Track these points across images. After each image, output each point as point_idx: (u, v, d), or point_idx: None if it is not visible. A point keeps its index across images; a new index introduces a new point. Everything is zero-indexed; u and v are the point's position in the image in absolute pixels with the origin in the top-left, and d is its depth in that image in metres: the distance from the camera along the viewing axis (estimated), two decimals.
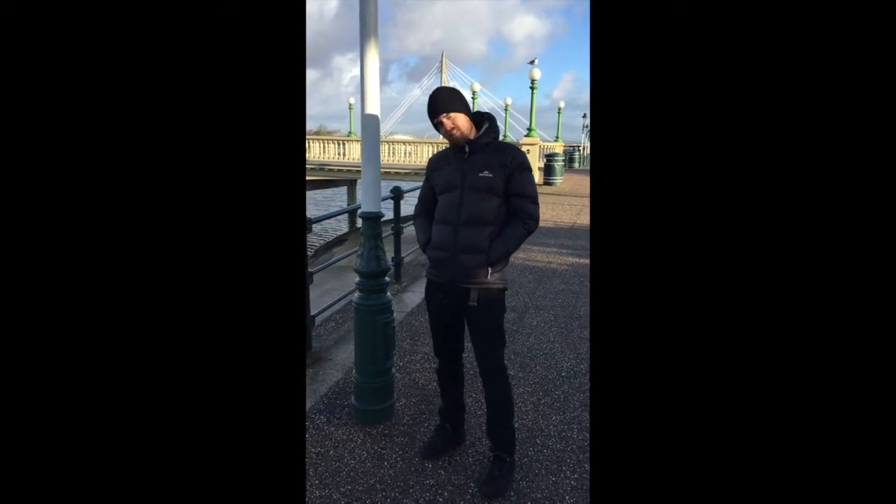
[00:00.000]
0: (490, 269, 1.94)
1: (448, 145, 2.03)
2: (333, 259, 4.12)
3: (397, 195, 4.64)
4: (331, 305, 3.88)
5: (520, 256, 5.86)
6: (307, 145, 19.09)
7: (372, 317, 2.40)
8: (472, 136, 1.95)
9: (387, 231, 2.65)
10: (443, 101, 1.92)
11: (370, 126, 2.23)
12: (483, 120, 1.99)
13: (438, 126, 1.95)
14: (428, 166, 2.14)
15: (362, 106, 2.23)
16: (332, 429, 2.44)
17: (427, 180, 2.11)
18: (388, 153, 18.81)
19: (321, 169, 18.63)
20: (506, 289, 2.03)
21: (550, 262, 5.82)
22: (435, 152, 2.21)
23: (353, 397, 2.53)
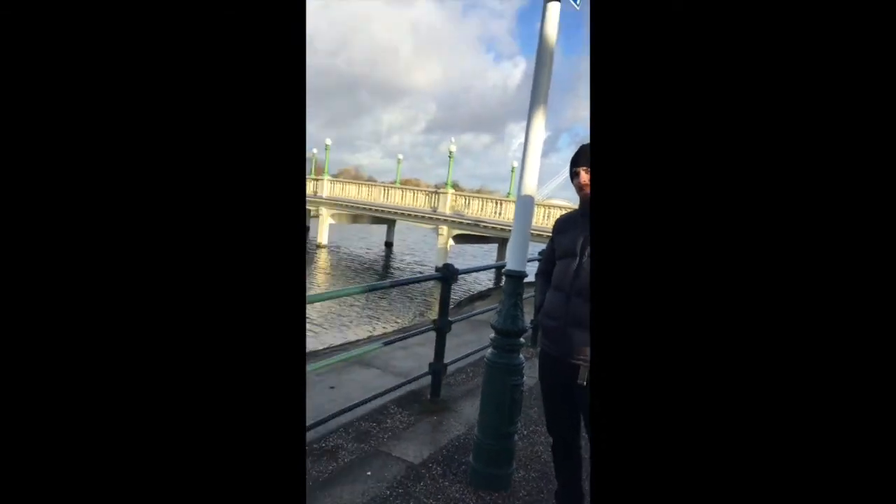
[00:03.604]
0: None
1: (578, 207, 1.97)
2: (474, 312, 4.19)
3: None
4: (464, 357, 3.92)
5: None
6: (466, 201, 20.17)
7: (502, 376, 2.35)
8: None
9: (529, 293, 2.61)
10: (589, 155, 1.87)
11: (526, 187, 2.28)
12: None
13: (574, 176, 1.90)
14: (554, 227, 2.08)
15: (522, 168, 2.30)
16: (447, 483, 2.40)
17: (551, 241, 2.05)
18: (543, 216, 18.91)
19: (477, 225, 19.45)
20: None
21: None
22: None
23: (471, 455, 2.48)
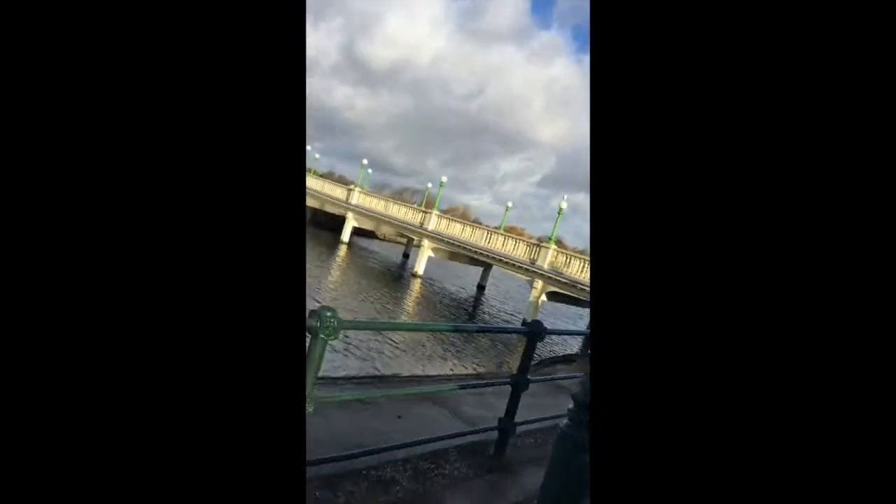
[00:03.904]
0: None
1: None
2: (555, 376, 4.01)
3: None
4: (537, 420, 3.73)
5: None
6: (567, 260, 19.67)
7: (574, 452, 2.19)
8: None
9: None
10: None
11: None
12: None
13: None
14: None
15: None
16: None
17: None
18: None
19: (574, 286, 18.85)
20: None
21: None
22: None
23: None
